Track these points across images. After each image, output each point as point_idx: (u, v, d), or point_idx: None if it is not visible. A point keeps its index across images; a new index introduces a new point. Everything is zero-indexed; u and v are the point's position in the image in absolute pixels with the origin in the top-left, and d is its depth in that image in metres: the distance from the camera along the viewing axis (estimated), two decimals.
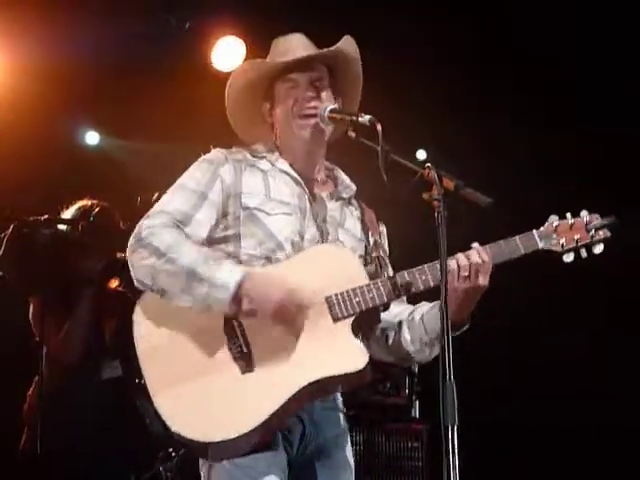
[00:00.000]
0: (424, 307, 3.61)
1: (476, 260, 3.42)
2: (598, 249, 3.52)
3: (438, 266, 3.39)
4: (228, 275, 3.30)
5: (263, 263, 3.49)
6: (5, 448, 5.39)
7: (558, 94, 7.10)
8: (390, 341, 3.65)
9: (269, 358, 3.34)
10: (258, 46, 6.73)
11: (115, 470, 5.17)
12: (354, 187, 3.79)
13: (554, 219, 3.55)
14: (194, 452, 3.45)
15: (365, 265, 3.57)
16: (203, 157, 3.65)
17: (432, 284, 3.46)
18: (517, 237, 3.51)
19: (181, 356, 3.38)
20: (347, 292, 3.43)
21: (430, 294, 3.50)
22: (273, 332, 3.36)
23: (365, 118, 3.48)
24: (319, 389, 3.38)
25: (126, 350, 3.44)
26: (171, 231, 3.41)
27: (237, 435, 3.28)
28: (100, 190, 5.74)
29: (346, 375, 3.37)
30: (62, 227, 5.41)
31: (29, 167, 6.66)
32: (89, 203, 5.51)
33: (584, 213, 3.56)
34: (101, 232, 5.35)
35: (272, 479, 3.36)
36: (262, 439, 3.34)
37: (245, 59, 6.92)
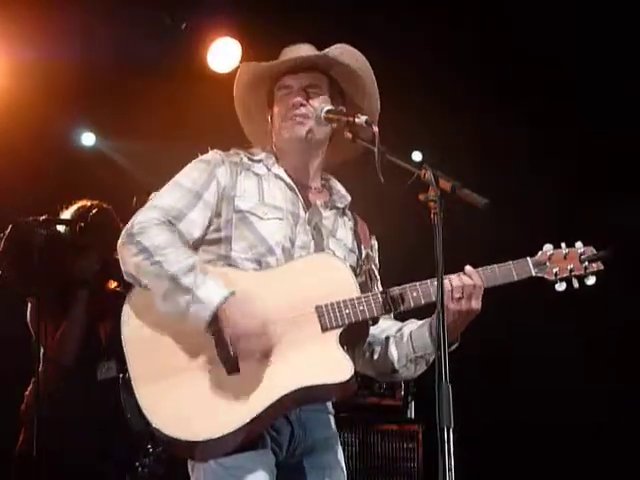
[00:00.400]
0: (412, 325, 3.63)
1: (469, 283, 3.44)
2: (591, 281, 3.57)
3: (429, 283, 3.46)
4: (211, 294, 3.29)
5: (254, 267, 3.49)
6: (3, 448, 5.38)
7: (557, 94, 7.10)
8: (376, 356, 3.66)
9: (255, 362, 3.33)
10: (254, 47, 6.77)
11: (111, 470, 5.17)
12: (349, 197, 3.80)
13: (549, 248, 3.60)
14: (174, 450, 3.43)
15: (355, 276, 3.57)
16: (200, 157, 3.66)
17: (423, 302, 3.48)
18: (511, 263, 3.55)
19: (167, 353, 3.37)
20: (338, 303, 3.43)
21: (419, 311, 3.52)
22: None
23: (362, 119, 3.50)
24: (303, 397, 3.38)
25: (122, 350, 3.43)
26: (163, 230, 3.40)
27: (220, 435, 3.27)
28: (96, 191, 5.74)
29: (331, 385, 3.37)
30: (60, 228, 5.41)
31: (26, 168, 6.66)
32: (88, 204, 5.51)
33: (579, 244, 3.61)
34: (98, 233, 5.35)
35: (259, 478, 3.36)
36: (247, 440, 3.33)
37: (241, 60, 6.92)
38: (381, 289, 3.59)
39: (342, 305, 3.44)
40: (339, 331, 3.42)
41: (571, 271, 3.55)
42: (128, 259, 3.39)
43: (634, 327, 7.07)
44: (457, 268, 3.47)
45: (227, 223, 3.53)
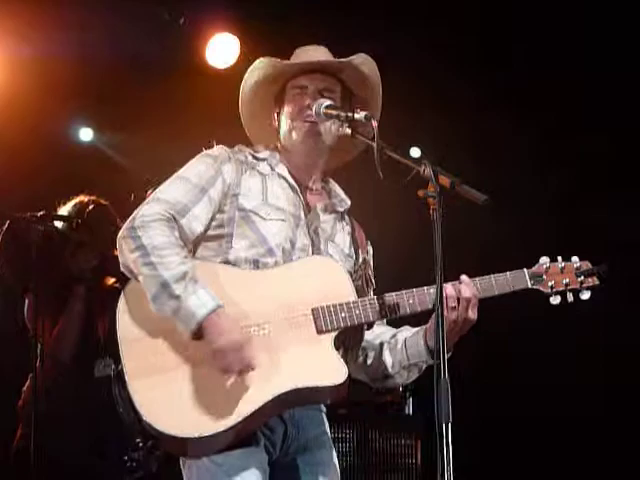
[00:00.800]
0: (406, 332, 3.64)
1: (466, 295, 3.44)
2: (585, 295, 3.59)
3: (425, 290, 3.46)
4: (199, 305, 3.27)
5: (251, 267, 3.48)
6: (1, 444, 5.37)
7: (555, 92, 7.09)
8: (369, 361, 3.66)
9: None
10: (252, 43, 6.76)
11: (109, 466, 5.17)
12: (349, 202, 3.79)
13: (545, 260, 3.61)
14: (166, 446, 3.42)
15: (352, 281, 3.57)
16: (206, 152, 3.64)
17: (419, 309, 3.48)
18: (508, 274, 3.55)
19: (162, 347, 3.36)
20: (334, 306, 3.43)
21: (414, 317, 3.52)
22: (255, 338, 3.36)
23: (361, 114, 3.49)
24: (296, 398, 3.37)
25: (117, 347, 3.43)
26: (164, 228, 3.39)
27: (213, 433, 3.27)
28: (94, 187, 5.73)
29: (324, 388, 3.37)
30: (57, 224, 5.40)
31: (23, 164, 6.65)
32: (85, 200, 5.51)
33: (575, 259, 3.62)
34: (95, 229, 5.35)
35: (251, 476, 3.36)
36: (239, 438, 3.33)
37: (239, 56, 6.93)
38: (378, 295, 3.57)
39: (338, 308, 3.43)
40: (334, 334, 3.42)
41: (567, 285, 3.57)
42: (126, 253, 3.39)
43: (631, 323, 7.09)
44: (455, 268, 3.45)
45: (230, 220, 3.53)
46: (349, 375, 3.38)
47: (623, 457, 7.12)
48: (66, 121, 7.48)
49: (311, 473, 3.53)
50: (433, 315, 3.43)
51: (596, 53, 6.83)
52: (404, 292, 3.49)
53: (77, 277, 5.36)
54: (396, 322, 3.63)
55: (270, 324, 3.39)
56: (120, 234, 3.43)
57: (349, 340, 3.53)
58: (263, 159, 3.68)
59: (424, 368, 3.60)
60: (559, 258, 3.61)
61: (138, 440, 4.98)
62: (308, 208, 3.66)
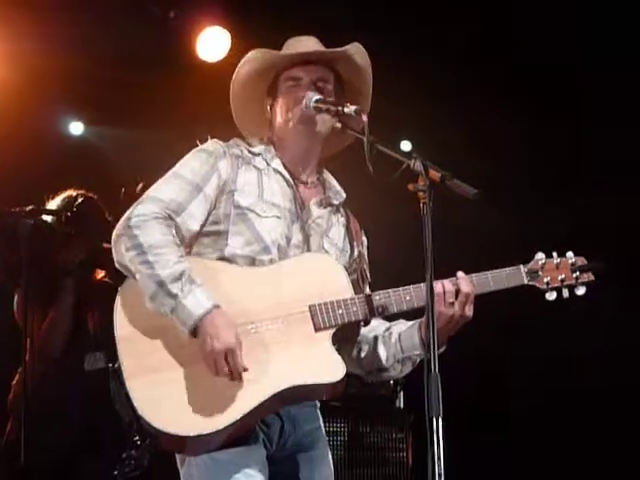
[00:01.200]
0: (401, 325, 3.64)
1: (465, 290, 3.45)
2: (581, 291, 3.60)
3: (422, 286, 3.44)
4: (196, 305, 3.27)
5: (247, 263, 3.48)
6: None
7: (549, 86, 7.09)
8: (363, 354, 3.66)
9: (248, 358, 3.30)
10: (243, 36, 6.75)
11: (98, 461, 5.16)
12: (344, 194, 3.78)
13: (541, 257, 3.61)
14: (164, 444, 3.40)
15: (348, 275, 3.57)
16: (201, 147, 3.63)
17: (416, 305, 3.48)
18: (504, 270, 3.56)
19: (160, 345, 3.36)
20: (331, 303, 3.44)
21: (409, 312, 3.53)
22: (252, 335, 3.36)
23: (351, 108, 3.49)
24: (294, 395, 3.37)
25: (110, 341, 3.42)
26: (160, 226, 3.38)
27: (211, 431, 3.27)
28: (84, 181, 5.72)
29: (323, 385, 3.37)
30: (46, 217, 5.39)
31: (13, 158, 6.62)
32: (74, 194, 5.50)
33: (570, 254, 3.63)
34: (84, 223, 5.34)
35: (251, 473, 3.36)
36: (237, 435, 3.33)
37: (230, 49, 6.91)
38: (369, 291, 3.58)
39: (335, 305, 3.44)
40: (332, 331, 3.42)
41: (562, 281, 3.58)
42: (123, 251, 3.38)
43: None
44: (450, 264, 3.46)
45: (225, 217, 3.52)
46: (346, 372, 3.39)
47: (614, 456, 7.13)
48: (56, 115, 7.46)
49: (306, 468, 3.54)
50: None
51: (592, 46, 6.81)
52: (401, 289, 3.50)
53: (66, 270, 5.35)
54: (391, 316, 3.62)
55: (267, 321, 3.39)
56: (116, 232, 3.42)
57: (345, 336, 3.52)
58: (258, 153, 3.67)
59: (418, 362, 3.60)
60: (554, 254, 3.61)
61: (136, 438, 4.99)
62: (303, 203, 3.65)
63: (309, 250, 3.59)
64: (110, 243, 3.45)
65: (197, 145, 3.65)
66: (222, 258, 3.49)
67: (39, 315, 5.27)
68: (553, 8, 6.65)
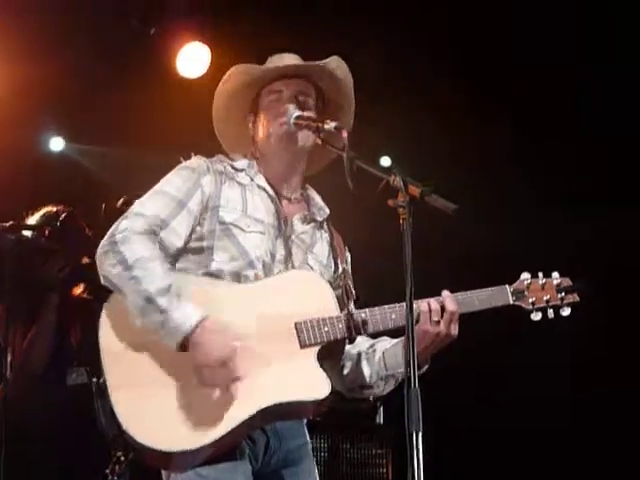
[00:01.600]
0: (385, 343, 3.65)
1: (450, 308, 3.46)
2: (566, 312, 3.62)
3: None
4: (185, 318, 3.27)
5: (233, 278, 3.49)
6: None
7: (540, 99, 7.11)
8: (346, 371, 3.67)
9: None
10: (224, 52, 6.74)
11: (79, 477, 5.14)
12: (327, 210, 3.80)
13: (526, 277, 3.63)
14: (148, 460, 3.38)
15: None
16: (184, 164, 3.65)
17: (401, 324, 3.44)
18: (489, 290, 3.58)
19: (145, 360, 3.35)
20: (317, 320, 3.44)
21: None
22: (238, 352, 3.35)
23: (331, 125, 3.51)
24: (279, 412, 3.38)
25: (92, 357, 3.41)
26: (145, 242, 3.39)
27: (196, 447, 3.26)
28: (65, 196, 5.70)
29: (308, 402, 3.38)
30: (27, 233, 5.38)
31: None
32: (54, 209, 5.48)
33: (555, 275, 3.65)
34: (68, 237, 5.32)
35: None
36: (224, 450, 3.32)
37: (210, 65, 6.92)
38: (354, 308, 3.59)
39: (321, 323, 3.44)
40: (317, 348, 3.43)
41: (547, 301, 3.60)
42: (108, 267, 3.38)
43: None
44: (433, 281, 3.46)
45: (210, 233, 3.53)
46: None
47: (595, 470, 7.14)
48: (37, 131, 7.44)
49: None
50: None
51: (587, 58, 6.83)
52: (386, 306, 3.51)
53: (51, 285, 5.33)
54: (375, 333, 3.62)
55: (253, 338, 3.38)
56: (100, 249, 3.42)
57: (330, 353, 3.52)
58: (241, 169, 3.68)
59: (400, 379, 3.59)
60: (540, 274, 3.64)
61: (119, 454, 4.98)
62: (286, 219, 3.66)
63: (293, 266, 3.60)
64: (90, 258, 3.45)
65: (180, 161, 3.66)
66: (208, 274, 3.49)
67: (21, 330, 5.25)
68: (543, 22, 6.65)
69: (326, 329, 3.44)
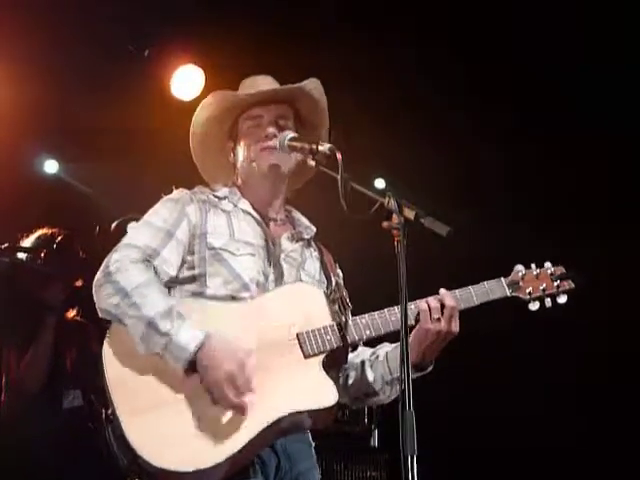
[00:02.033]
0: (387, 347, 3.67)
1: (450, 303, 3.48)
2: (562, 299, 3.65)
3: (411, 306, 3.48)
4: (189, 338, 3.28)
5: (228, 302, 3.49)
6: None
7: (524, 111, 7.11)
8: (351, 381, 3.69)
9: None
10: (217, 75, 6.76)
11: None
12: (314, 228, 3.83)
13: (520, 268, 3.67)
14: None
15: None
16: (167, 197, 3.68)
17: None
18: (485, 283, 3.61)
19: (152, 386, 3.36)
20: (318, 330, 3.47)
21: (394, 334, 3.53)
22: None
23: (325, 147, 3.51)
24: (291, 423, 3.38)
25: (88, 380, 3.40)
26: (140, 269, 3.41)
27: (210, 465, 3.26)
28: (59, 219, 5.71)
29: (319, 410, 3.39)
30: (22, 255, 5.37)
31: None
32: (49, 232, 5.48)
33: (548, 264, 3.69)
34: (64, 260, 5.32)
35: None
36: (237, 467, 3.32)
37: (204, 88, 6.92)
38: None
39: (323, 331, 3.47)
40: (322, 357, 3.45)
41: (544, 290, 3.64)
42: (106, 299, 3.39)
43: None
44: (428, 288, 3.49)
45: (201, 260, 3.54)
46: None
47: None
48: (31, 153, 7.44)
49: None
50: (415, 328, 3.49)
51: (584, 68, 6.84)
52: (385, 310, 3.53)
53: (50, 307, 5.32)
54: (374, 341, 3.64)
55: (257, 353, 3.37)
56: (96, 282, 3.43)
57: (333, 363, 3.53)
58: (224, 197, 3.70)
59: None
60: (533, 265, 3.67)
61: None
62: (275, 240, 3.67)
63: (288, 284, 3.61)
64: (84, 281, 3.45)
65: (171, 187, 3.70)
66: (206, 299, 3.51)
67: (15, 352, 5.24)
68: (544, 26, 6.66)
69: (328, 337, 3.46)
